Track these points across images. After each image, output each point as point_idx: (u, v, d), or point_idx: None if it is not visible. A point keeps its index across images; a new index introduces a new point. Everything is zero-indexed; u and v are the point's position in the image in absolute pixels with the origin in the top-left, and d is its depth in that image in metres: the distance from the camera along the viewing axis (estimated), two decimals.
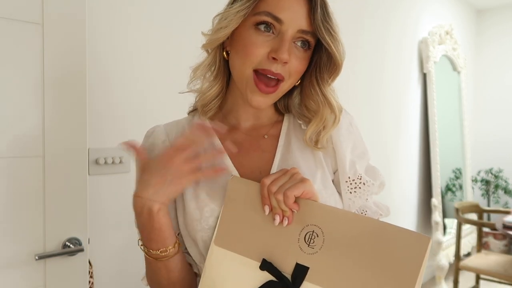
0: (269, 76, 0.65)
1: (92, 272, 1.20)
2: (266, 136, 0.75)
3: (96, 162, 1.37)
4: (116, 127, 1.43)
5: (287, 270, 0.61)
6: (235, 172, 0.70)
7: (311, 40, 0.66)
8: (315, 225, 0.61)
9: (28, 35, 0.96)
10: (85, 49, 1.05)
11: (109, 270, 1.43)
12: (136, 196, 0.63)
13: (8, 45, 0.94)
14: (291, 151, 0.72)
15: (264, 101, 0.67)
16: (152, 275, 0.72)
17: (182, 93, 0.76)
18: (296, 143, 0.73)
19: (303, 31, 0.65)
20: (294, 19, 0.64)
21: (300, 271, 0.60)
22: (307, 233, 0.61)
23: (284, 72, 0.65)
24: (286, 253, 0.62)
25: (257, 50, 0.64)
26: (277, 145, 0.74)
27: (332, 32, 0.65)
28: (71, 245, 1.03)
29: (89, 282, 1.14)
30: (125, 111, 1.45)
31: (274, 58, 0.63)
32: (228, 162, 0.71)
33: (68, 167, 1.03)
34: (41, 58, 0.98)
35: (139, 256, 1.49)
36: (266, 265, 0.62)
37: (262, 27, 0.64)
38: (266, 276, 0.61)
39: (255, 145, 0.74)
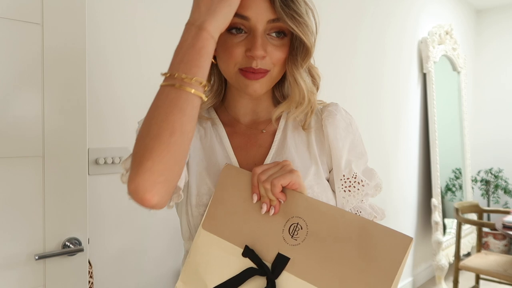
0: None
1: (92, 272, 1.20)
2: (264, 131, 0.77)
3: (96, 162, 1.37)
4: (116, 127, 1.43)
5: (269, 259, 0.62)
6: (235, 164, 0.73)
7: (285, 27, 0.68)
8: (300, 218, 0.62)
9: (28, 35, 0.96)
10: (85, 49, 1.05)
11: (109, 270, 1.43)
12: (188, 24, 0.60)
13: (8, 45, 0.94)
14: (286, 146, 0.74)
15: (258, 86, 0.69)
16: (156, 113, 0.60)
17: None
18: (292, 139, 0.75)
19: (272, 21, 0.66)
20: (259, 13, 0.65)
21: (281, 261, 0.61)
22: (291, 224, 0.63)
23: (266, 65, 0.68)
24: (269, 242, 0.63)
25: (235, 51, 0.67)
26: (273, 140, 0.76)
27: (297, 17, 0.66)
28: (71, 245, 1.03)
29: (89, 282, 1.14)
30: (125, 111, 1.45)
31: (251, 56, 0.66)
32: (231, 155, 0.74)
33: (68, 167, 1.03)
34: (41, 58, 0.98)
35: (139, 256, 1.49)
36: (248, 252, 0.63)
37: (233, 31, 0.67)
38: (249, 263, 0.63)
39: (253, 139, 0.76)
